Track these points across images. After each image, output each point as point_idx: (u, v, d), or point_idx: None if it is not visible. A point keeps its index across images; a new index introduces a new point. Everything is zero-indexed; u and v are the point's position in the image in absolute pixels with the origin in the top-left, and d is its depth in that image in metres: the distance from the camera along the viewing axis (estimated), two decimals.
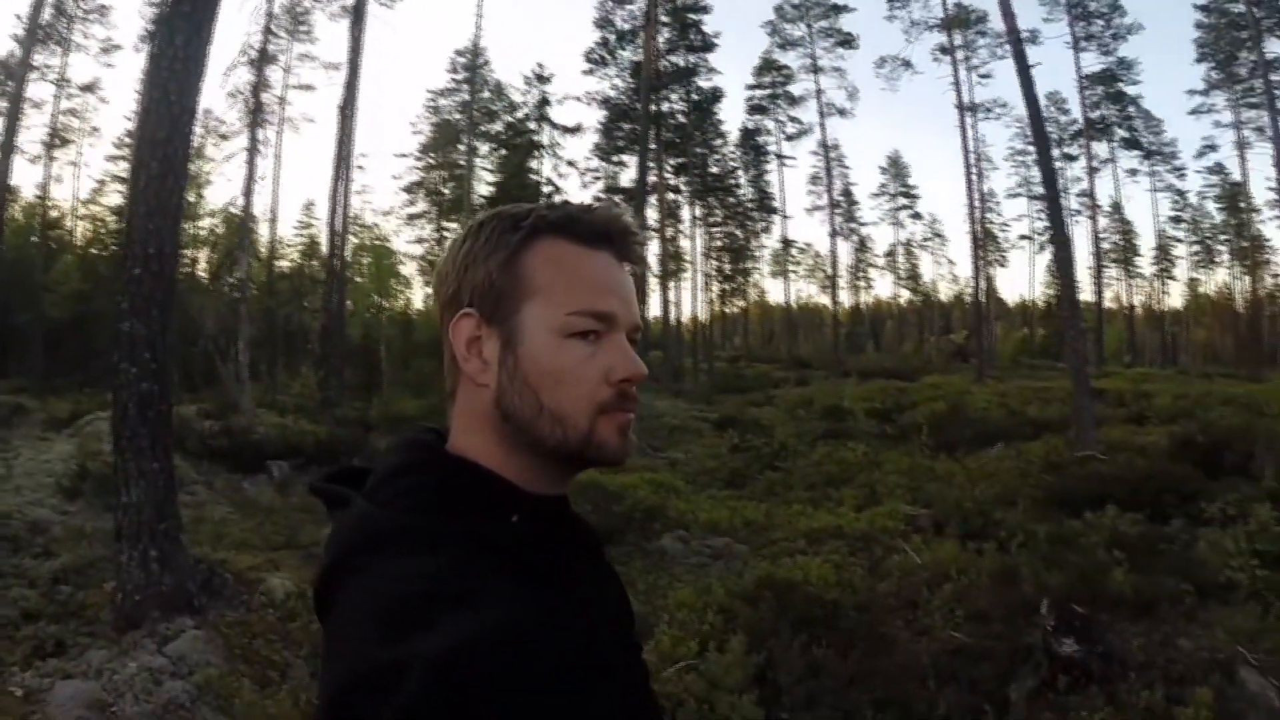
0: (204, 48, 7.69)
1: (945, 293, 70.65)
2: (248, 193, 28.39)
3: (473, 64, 44.71)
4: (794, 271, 60.55)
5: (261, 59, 31.76)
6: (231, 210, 29.76)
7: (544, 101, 35.61)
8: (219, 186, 70.02)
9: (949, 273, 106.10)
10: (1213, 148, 50.96)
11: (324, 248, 33.05)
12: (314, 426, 18.94)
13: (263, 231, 39.59)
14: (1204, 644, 6.16)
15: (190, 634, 6.55)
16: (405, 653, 0.75)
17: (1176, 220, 56.78)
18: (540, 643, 0.80)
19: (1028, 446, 15.89)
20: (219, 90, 35.94)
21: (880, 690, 5.13)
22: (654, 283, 43.30)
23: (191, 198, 34.45)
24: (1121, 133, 50.58)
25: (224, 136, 32.65)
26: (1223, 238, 56.38)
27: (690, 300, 55.38)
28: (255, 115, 30.20)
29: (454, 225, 51.50)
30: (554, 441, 0.98)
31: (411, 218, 51.99)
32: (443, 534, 0.89)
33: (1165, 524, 9.82)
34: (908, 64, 45.95)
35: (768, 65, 50.01)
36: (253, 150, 28.94)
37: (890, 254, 65.45)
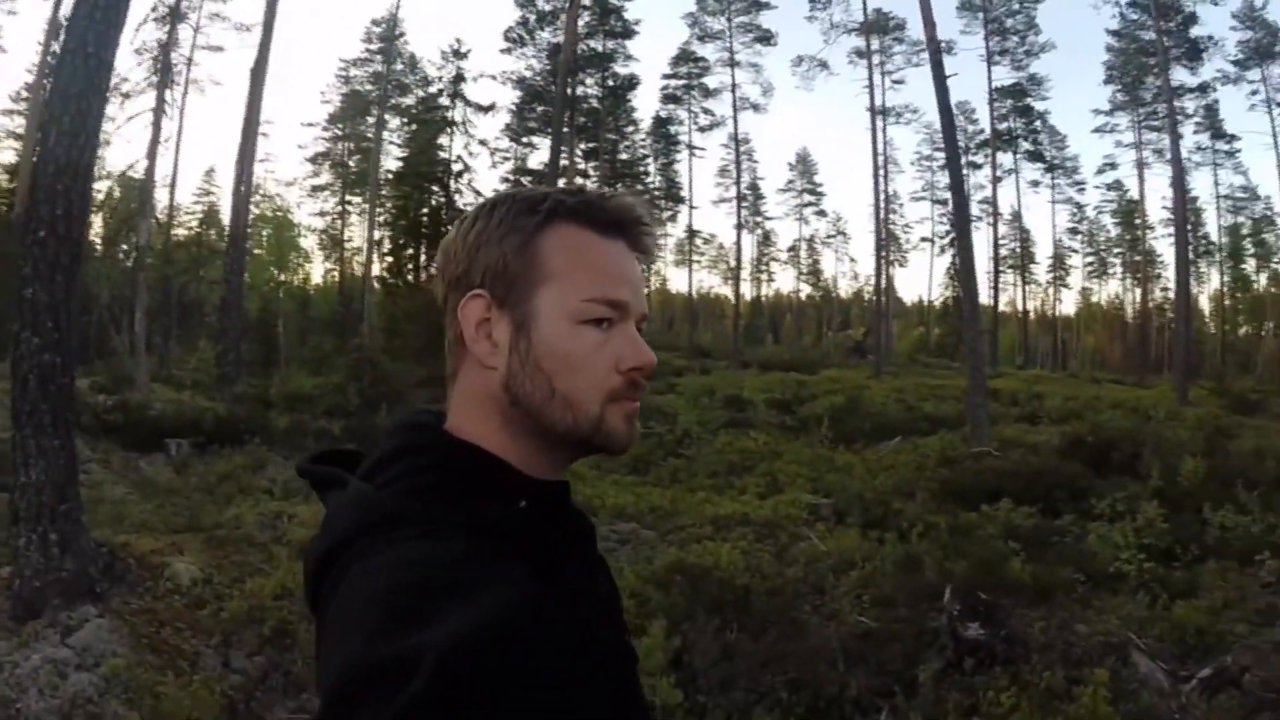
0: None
1: (845, 289, 72.20)
2: (151, 156, 27.33)
3: (389, 34, 44.07)
4: (698, 261, 61.08)
5: (173, 16, 30.45)
6: (131, 174, 28.43)
7: (459, 78, 35.12)
8: (117, 148, 66.92)
9: (850, 270, 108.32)
10: (1113, 165, 53.62)
11: (226, 217, 32.10)
12: (212, 403, 18.36)
13: (161, 197, 38.30)
14: (1098, 629, 6.55)
15: (94, 623, 6.21)
16: (415, 643, 0.73)
17: (1074, 232, 60.00)
18: (551, 628, 0.80)
19: (924, 441, 16.43)
20: (126, 47, 34.43)
21: (793, 672, 5.30)
22: None
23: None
24: (1026, 145, 53.22)
25: (126, 95, 31.34)
26: (1116, 251, 59.89)
27: None
28: (163, 75, 28.90)
29: (358, 199, 50.72)
30: (564, 427, 0.98)
31: (315, 189, 51.01)
32: (450, 519, 0.88)
33: (1057, 518, 10.30)
34: (824, 65, 47.30)
35: (685, 56, 50.14)
36: (158, 112, 27.77)
37: (794, 249, 66.63)
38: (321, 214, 52.88)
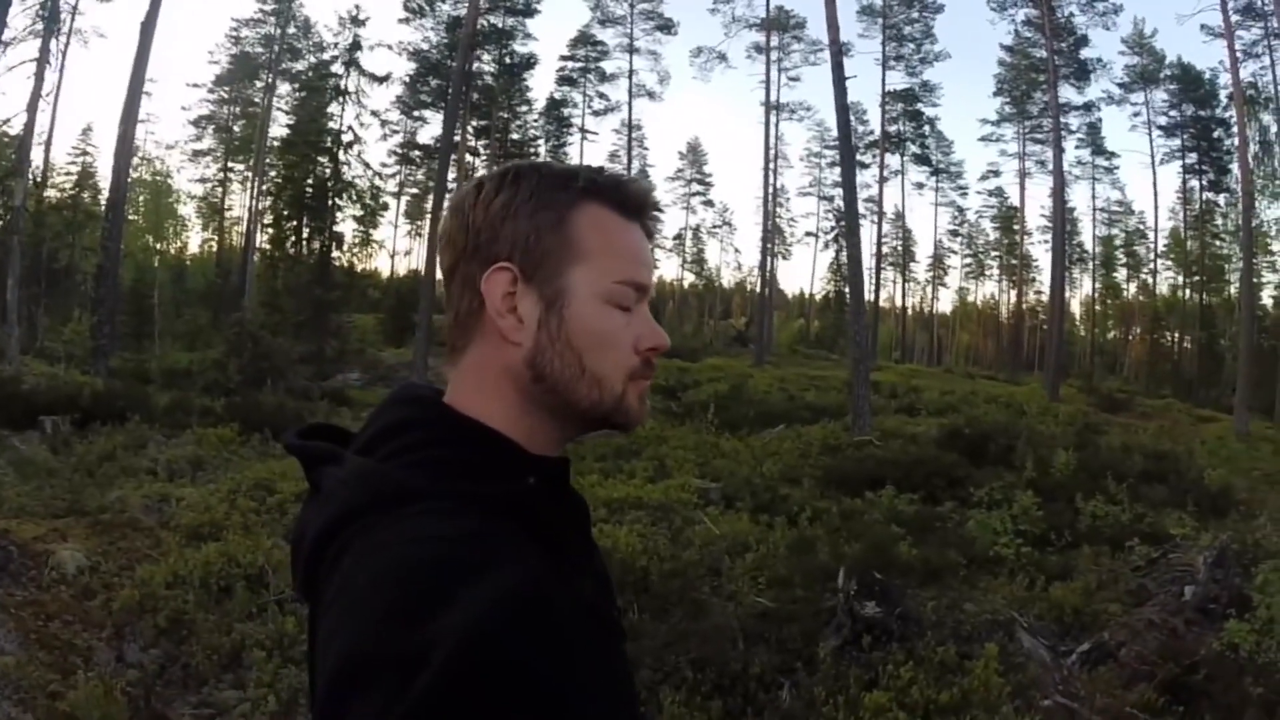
0: None
1: (728, 279, 72.90)
2: (32, 110, 25.53)
3: None
4: None
5: None
6: (5, 129, 26.69)
7: (355, 45, 34.22)
8: None
9: (734, 260, 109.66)
10: (996, 173, 56.42)
11: (104, 179, 30.45)
12: (88, 378, 17.70)
13: (36, 157, 36.40)
14: (985, 608, 6.87)
15: None
16: (427, 630, 0.72)
17: (954, 234, 62.54)
18: (561, 610, 0.80)
19: (807, 429, 16.76)
20: None
21: (696, 651, 5.40)
22: None
23: None
24: (914, 148, 55.08)
25: (7, 44, 29.44)
26: (994, 254, 62.40)
27: None
28: (49, 24, 26.91)
29: (241, 167, 49.18)
30: (588, 404, 0.98)
31: (197, 154, 49.20)
32: (460, 495, 0.86)
33: (937, 505, 10.69)
34: (723, 57, 47.24)
35: (584, 39, 49.91)
36: (41, 62, 25.87)
37: (679, 237, 66.92)
38: (202, 180, 51.00)
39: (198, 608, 6.16)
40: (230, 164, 50.33)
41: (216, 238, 53.29)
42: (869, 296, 50.52)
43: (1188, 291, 48.62)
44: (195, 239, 56.52)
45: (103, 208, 27.59)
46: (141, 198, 46.36)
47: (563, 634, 0.78)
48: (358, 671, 0.73)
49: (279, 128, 41.82)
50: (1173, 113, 46.37)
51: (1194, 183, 46.97)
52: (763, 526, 9.08)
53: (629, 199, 1.03)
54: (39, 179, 36.98)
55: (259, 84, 45.36)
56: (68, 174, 45.19)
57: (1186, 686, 5.45)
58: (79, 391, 14.95)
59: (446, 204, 1.06)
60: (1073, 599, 7.13)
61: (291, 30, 44.74)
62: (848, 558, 7.36)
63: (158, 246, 46.88)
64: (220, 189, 51.52)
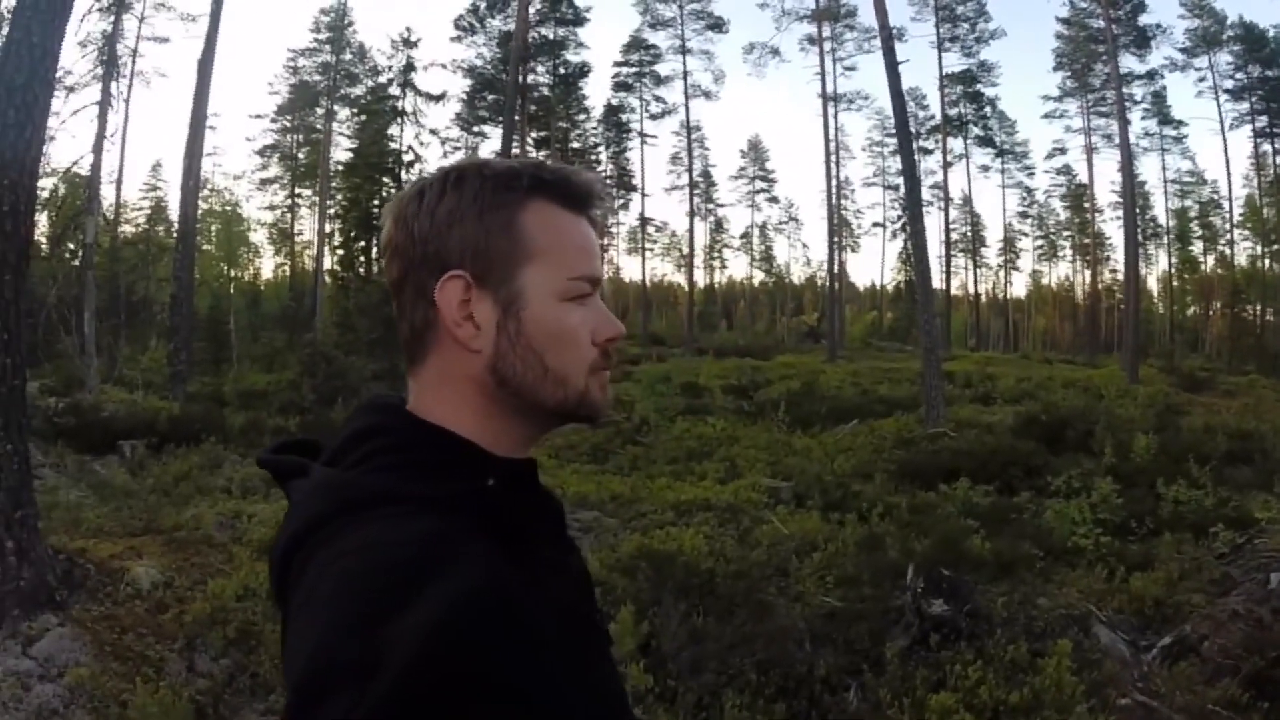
0: None
1: (798, 275, 72.59)
2: (97, 150, 26.41)
3: (338, 24, 43.66)
4: (650, 249, 61.17)
5: (118, 6, 29.69)
6: (76, 170, 27.67)
7: (409, 67, 34.73)
8: (62, 143, 65.35)
9: (803, 255, 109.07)
10: (1062, 150, 55.00)
11: (174, 212, 31.45)
12: (165, 403, 18.10)
13: (107, 194, 37.52)
14: (1060, 603, 6.67)
15: (55, 632, 6.04)
16: (385, 633, 0.72)
17: (1024, 215, 61.04)
18: (520, 608, 0.79)
19: (880, 424, 16.53)
20: (70, 38, 33.34)
21: (761, 653, 5.32)
22: None
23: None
24: (977, 131, 54.07)
25: (71, 89, 30.43)
26: (1066, 234, 60.91)
27: None
28: (109, 67, 27.80)
29: (308, 192, 50.14)
30: (554, 402, 0.99)
31: (264, 182, 50.33)
32: (420, 498, 0.86)
33: (1014, 496, 10.46)
34: (776, 52, 47.29)
35: (636, 43, 50.12)
36: (104, 105, 26.79)
37: (746, 235, 66.80)
38: (271, 208, 52.18)
39: (266, 619, 6.23)
40: (297, 190, 51.43)
41: (288, 262, 54.51)
42: (939, 284, 50.34)
43: (1267, 261, 47.22)
44: (268, 264, 57.99)
45: (174, 239, 28.34)
46: (214, 227, 47.64)
47: (524, 633, 0.78)
48: (321, 679, 0.73)
49: (341, 152, 42.77)
50: (1239, 75, 44.86)
51: (1266, 147, 45.60)
52: (833, 524, 8.95)
53: (575, 192, 1.03)
54: (112, 216, 38.09)
55: (319, 111, 46.22)
56: (140, 209, 46.58)
57: (1273, 680, 5.21)
58: (156, 416, 15.32)
59: (386, 211, 1.04)
60: (1154, 590, 6.90)
61: (347, 57, 45.59)
62: (917, 554, 7.23)
63: (232, 273, 48.09)
64: (289, 215, 52.64)
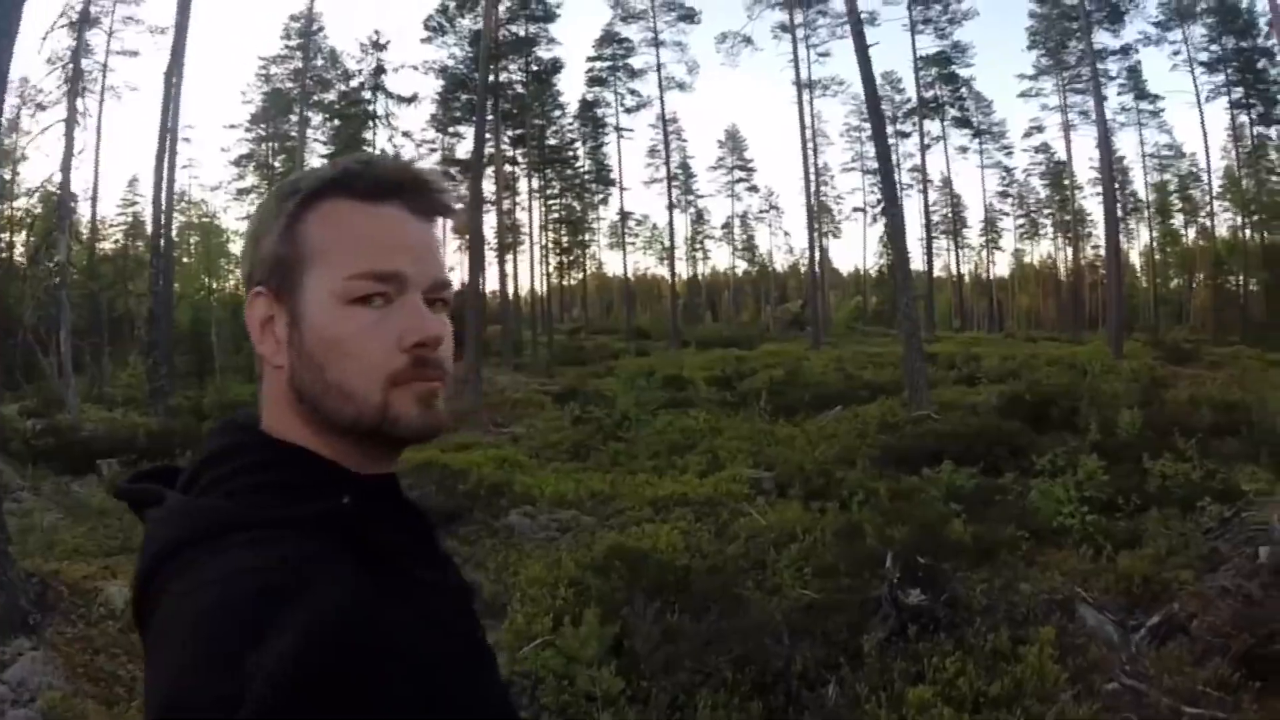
0: (16, 6, 7.07)
1: (781, 263, 72.70)
2: (66, 168, 26.05)
3: (307, 30, 43.23)
4: (632, 243, 60.71)
5: (83, 21, 29.28)
6: (49, 188, 27.39)
7: (379, 70, 34.62)
8: (36, 162, 64.89)
9: (785, 244, 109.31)
10: (1040, 129, 55.05)
11: (149, 227, 31.11)
12: (145, 419, 18.07)
13: (83, 210, 37.24)
14: (1043, 586, 6.57)
15: (28, 656, 6.04)
16: (245, 661, 0.70)
17: (1004, 195, 61.03)
18: (387, 626, 0.78)
19: (864, 409, 16.41)
20: (37, 56, 33.10)
21: (737, 649, 5.18)
22: (491, 255, 43.01)
23: (5, 175, 32.05)
24: (953, 112, 54.04)
25: (41, 107, 30.02)
26: (1047, 212, 60.99)
27: (528, 273, 55.31)
28: (75, 83, 27.57)
29: None
30: (346, 419, 0.90)
31: (241, 192, 50.00)
32: (270, 522, 0.82)
33: (999, 477, 10.35)
34: (749, 40, 46.85)
35: (608, 37, 49.90)
36: (71, 121, 26.48)
37: (727, 226, 66.66)
38: (249, 217, 51.92)
39: None
40: None
41: None
42: (921, 267, 50.44)
43: (1248, 232, 47.10)
44: None
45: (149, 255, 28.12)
46: (193, 240, 47.24)
47: (387, 652, 0.76)
48: (181, 715, 0.71)
49: (316, 159, 42.36)
50: (1213, 47, 44.67)
51: (1243, 118, 45.45)
52: (814, 513, 8.84)
53: (376, 181, 0.94)
54: (88, 233, 37.81)
55: (293, 118, 45.87)
56: (118, 225, 46.27)
57: (1264, 658, 5.09)
58: (135, 433, 15.31)
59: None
60: (1141, 568, 6.77)
61: (318, 62, 45.08)
62: (896, 542, 7.10)
63: (213, 285, 47.73)
64: None
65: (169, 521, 0.87)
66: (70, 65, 28.11)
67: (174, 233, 29.21)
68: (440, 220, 1.01)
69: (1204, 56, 45.05)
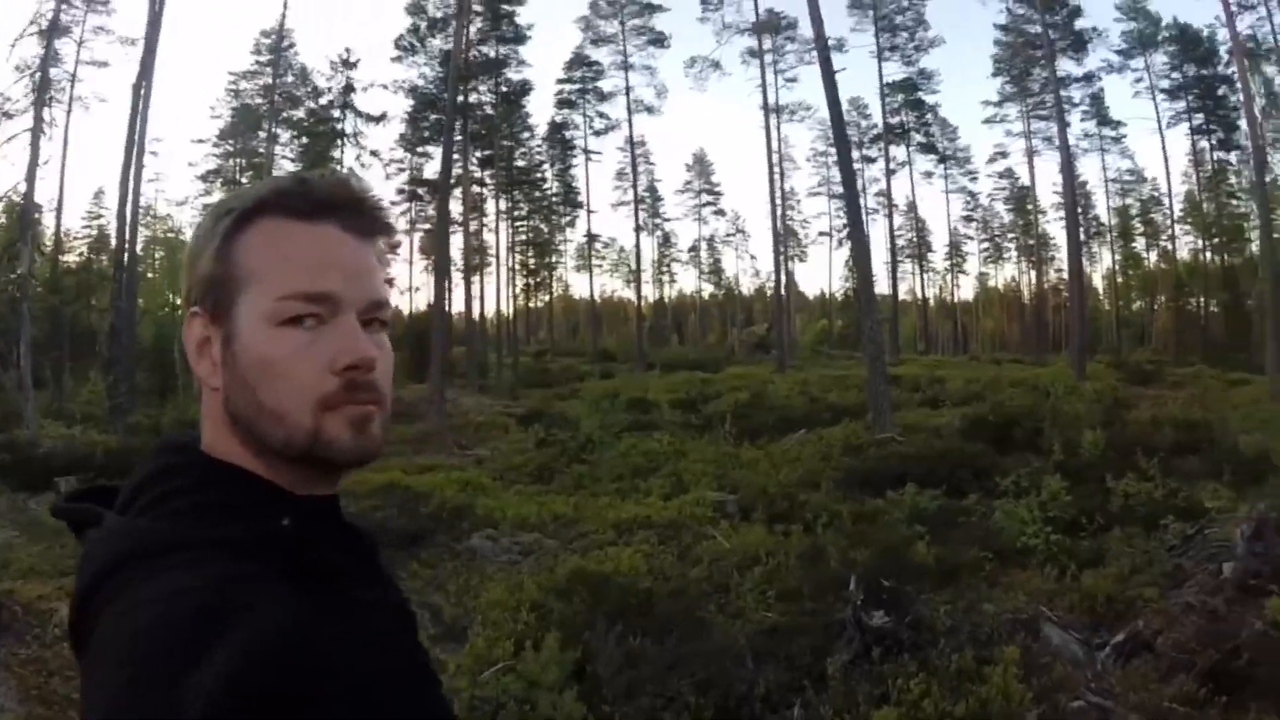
0: None
1: (747, 286, 72.93)
2: (31, 178, 25.79)
3: (278, 45, 43.04)
4: (598, 266, 60.77)
5: (53, 29, 28.81)
6: (13, 198, 26.95)
7: (349, 88, 34.45)
8: (1, 171, 63.97)
9: (751, 267, 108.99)
10: (1004, 154, 55.97)
11: (113, 240, 30.70)
12: (104, 437, 17.89)
13: (48, 222, 36.66)
14: (1007, 606, 6.61)
15: None
16: (182, 683, 0.69)
17: (969, 219, 61.88)
18: (324, 647, 0.78)
19: (828, 431, 16.44)
20: (5, 63, 32.53)
21: (700, 673, 5.15)
22: (458, 277, 42.88)
23: None
24: (919, 137, 54.80)
25: (7, 115, 29.50)
26: (1011, 236, 61.92)
27: (495, 294, 55.15)
28: (42, 92, 27.14)
29: None
30: (278, 442, 0.89)
31: (207, 208, 49.63)
32: (209, 542, 0.82)
33: (963, 498, 10.39)
34: (717, 65, 47.19)
35: (578, 60, 50.03)
36: (37, 131, 26.12)
37: (694, 249, 66.81)
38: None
39: None
40: None
41: None
42: (887, 290, 50.77)
43: (1209, 254, 48.03)
44: None
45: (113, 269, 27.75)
46: (158, 255, 46.79)
47: (327, 671, 0.76)
48: None
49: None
50: (1175, 75, 45.74)
51: (1203, 144, 46.42)
52: (778, 536, 8.84)
53: (311, 199, 0.93)
54: (52, 245, 37.27)
55: (261, 134, 45.55)
56: (83, 238, 45.67)
57: (1229, 673, 5.11)
58: (93, 450, 15.13)
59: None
60: (1105, 586, 6.84)
61: (288, 79, 44.82)
62: (859, 564, 7.08)
63: (178, 302, 47.21)
64: None
65: (107, 542, 0.86)
66: (38, 73, 27.68)
67: (139, 247, 28.90)
68: (379, 239, 0.98)
69: (1165, 84, 46.22)
